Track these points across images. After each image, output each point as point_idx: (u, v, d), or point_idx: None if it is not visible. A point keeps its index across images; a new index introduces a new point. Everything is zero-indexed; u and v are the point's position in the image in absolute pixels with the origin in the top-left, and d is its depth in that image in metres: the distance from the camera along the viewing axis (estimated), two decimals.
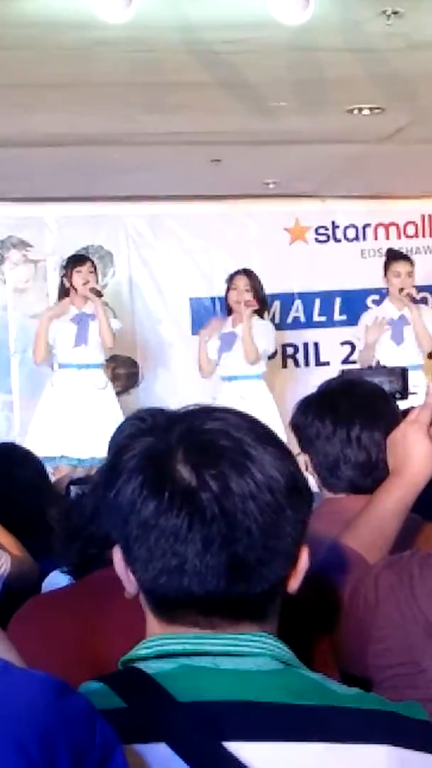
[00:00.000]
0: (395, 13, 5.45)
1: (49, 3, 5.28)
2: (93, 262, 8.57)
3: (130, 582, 1.50)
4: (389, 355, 8.40)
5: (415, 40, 5.84)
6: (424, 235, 10.16)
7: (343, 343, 9.88)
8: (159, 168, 8.44)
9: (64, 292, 8.52)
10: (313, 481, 2.77)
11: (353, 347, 9.54)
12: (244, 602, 1.45)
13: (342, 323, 9.86)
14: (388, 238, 10.02)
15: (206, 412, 1.52)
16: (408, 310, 8.50)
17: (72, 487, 3.61)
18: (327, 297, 9.97)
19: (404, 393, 3.75)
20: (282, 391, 9.23)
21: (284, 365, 9.90)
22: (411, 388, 3.92)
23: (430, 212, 10.19)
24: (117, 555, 1.51)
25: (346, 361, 9.77)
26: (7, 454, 4.26)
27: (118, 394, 8.85)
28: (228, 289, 8.63)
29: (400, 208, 10.09)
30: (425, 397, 2.46)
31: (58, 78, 6.24)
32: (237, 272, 8.67)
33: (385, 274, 8.64)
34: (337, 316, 9.99)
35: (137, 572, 1.48)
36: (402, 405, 3.07)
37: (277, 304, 9.78)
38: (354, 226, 10.05)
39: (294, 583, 1.51)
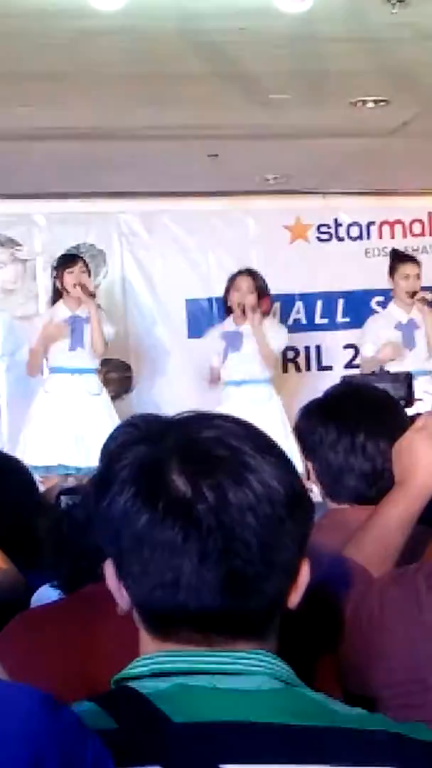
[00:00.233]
0: (401, 1, 5.44)
1: None
2: (85, 261, 8.59)
3: (122, 597, 1.47)
4: (398, 361, 8.34)
5: (422, 29, 5.85)
6: (430, 234, 10.14)
7: (346, 347, 9.87)
8: (154, 163, 8.43)
9: (56, 295, 8.54)
10: (316, 490, 2.78)
11: (357, 350, 9.56)
12: (242, 618, 1.43)
13: (345, 325, 9.83)
14: (393, 236, 9.98)
15: (203, 420, 1.49)
16: (418, 312, 8.54)
17: (62, 498, 3.49)
18: (329, 298, 9.93)
19: (409, 399, 3.72)
20: (283, 396, 9.17)
21: (285, 369, 9.84)
22: (417, 395, 3.91)
23: None
24: (109, 569, 1.48)
25: (349, 365, 9.80)
26: None
27: (111, 399, 8.87)
28: (229, 289, 8.61)
29: (405, 205, 10.06)
30: None
31: (48, 69, 6.26)
32: (240, 272, 8.68)
33: (391, 275, 8.66)
34: (339, 318, 9.96)
35: (130, 587, 1.45)
36: (407, 412, 3.05)
37: (277, 305, 9.74)
38: (357, 224, 10.01)
39: (294, 599, 1.48)
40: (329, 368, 9.82)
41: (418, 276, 8.56)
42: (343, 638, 2.12)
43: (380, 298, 9.22)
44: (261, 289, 8.54)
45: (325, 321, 9.94)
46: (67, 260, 8.51)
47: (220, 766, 1.35)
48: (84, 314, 8.33)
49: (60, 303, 8.41)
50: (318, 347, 9.95)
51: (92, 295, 8.37)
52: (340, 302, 9.88)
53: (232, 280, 8.60)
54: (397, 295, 8.62)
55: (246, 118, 7.31)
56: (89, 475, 7.53)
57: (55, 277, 8.48)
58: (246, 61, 6.27)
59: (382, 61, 6.35)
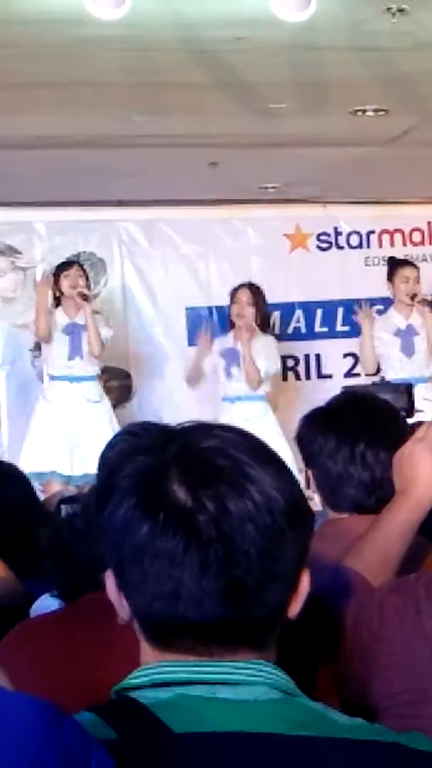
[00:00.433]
0: (401, 10, 5.43)
1: (40, 0, 5.29)
2: (81, 265, 8.59)
3: (123, 607, 1.46)
4: (397, 368, 8.40)
5: (422, 38, 5.83)
6: (430, 243, 10.13)
7: (346, 355, 9.84)
8: (154, 171, 8.42)
9: (55, 302, 8.49)
10: (317, 499, 2.78)
11: (356, 359, 9.55)
12: (243, 629, 1.42)
13: (345, 334, 9.79)
14: (393, 245, 9.99)
15: (203, 430, 1.49)
16: (418, 316, 8.53)
17: (63, 506, 3.48)
18: (329, 307, 9.91)
19: (410, 410, 3.74)
20: (282, 404, 9.21)
21: (284, 378, 9.82)
22: (417, 405, 3.93)
23: None
24: (110, 579, 1.47)
25: (349, 373, 9.79)
26: None
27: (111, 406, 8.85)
28: (231, 302, 8.64)
29: (405, 214, 10.06)
30: None
31: (48, 77, 6.24)
32: (241, 285, 8.69)
33: (391, 281, 8.64)
34: (339, 327, 9.93)
35: (130, 597, 1.44)
36: (409, 422, 3.07)
37: (277, 314, 9.74)
38: (357, 232, 10.01)
39: (294, 609, 1.47)
40: (329, 377, 9.80)
41: (417, 279, 8.55)
42: (343, 648, 2.12)
43: (380, 307, 9.15)
44: (258, 304, 8.54)
45: (325, 329, 9.92)
46: (64, 265, 8.51)
47: None
48: (81, 321, 8.31)
49: (59, 310, 8.38)
50: (318, 356, 9.93)
51: (86, 298, 8.34)
52: (340, 311, 9.85)
53: (233, 293, 8.61)
54: (398, 298, 8.60)
55: (246, 127, 7.29)
56: (89, 482, 7.57)
57: (54, 283, 8.45)
58: (246, 70, 6.25)
59: (381, 70, 6.33)
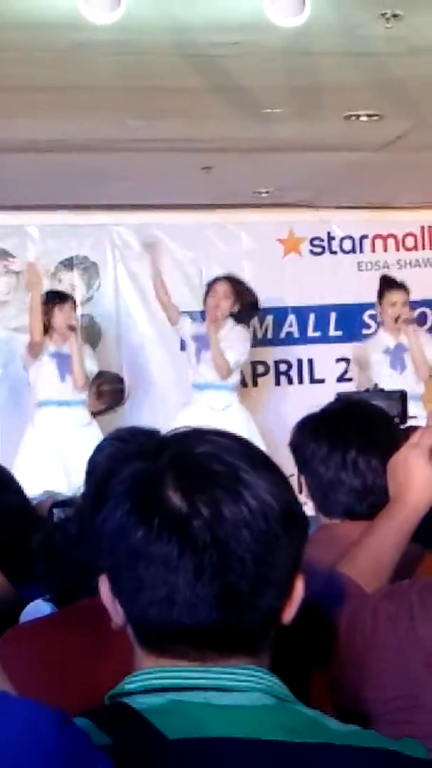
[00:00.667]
0: (395, 16, 5.42)
1: (35, 4, 5.26)
2: (74, 300, 8.63)
3: (117, 613, 1.47)
4: (388, 383, 8.34)
5: (416, 44, 5.81)
6: (423, 248, 10.11)
7: (338, 360, 9.82)
8: (147, 176, 8.41)
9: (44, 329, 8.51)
10: (311, 504, 2.77)
11: (349, 364, 9.58)
12: (237, 634, 1.43)
13: (337, 339, 9.81)
14: (386, 250, 9.98)
15: (198, 435, 1.49)
16: (405, 337, 8.55)
17: (55, 510, 3.46)
18: (322, 311, 9.91)
19: (403, 417, 3.75)
20: (275, 409, 9.23)
21: (277, 382, 9.86)
22: (410, 415, 3.91)
23: (429, 223, 10.16)
24: (104, 585, 1.47)
25: (341, 378, 9.77)
26: None
27: (103, 412, 8.92)
28: (207, 294, 8.63)
29: (398, 219, 10.05)
30: (428, 420, 2.46)
31: (42, 81, 6.22)
32: (218, 278, 8.71)
33: (380, 302, 8.66)
34: (332, 332, 9.93)
35: (125, 603, 1.45)
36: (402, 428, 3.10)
37: (269, 318, 9.77)
38: (351, 237, 10.00)
39: (288, 614, 1.47)
40: (321, 381, 9.79)
41: (405, 303, 8.56)
42: (336, 654, 2.12)
43: (373, 312, 9.20)
44: (239, 293, 8.53)
45: (318, 334, 9.91)
46: (59, 297, 8.52)
47: None
48: (68, 351, 8.38)
49: (46, 338, 8.39)
50: (310, 360, 9.90)
51: (73, 329, 8.36)
52: (333, 315, 9.86)
53: (210, 285, 8.62)
54: (384, 321, 8.65)
55: (240, 131, 7.28)
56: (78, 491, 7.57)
57: (45, 310, 8.43)
58: (240, 75, 6.24)
59: (375, 75, 6.31)
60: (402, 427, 3.05)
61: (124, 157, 7.86)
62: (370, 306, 9.03)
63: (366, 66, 6.16)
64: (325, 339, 9.90)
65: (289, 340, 9.86)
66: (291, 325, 9.87)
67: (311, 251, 9.91)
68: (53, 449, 8.20)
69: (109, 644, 1.70)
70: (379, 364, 8.56)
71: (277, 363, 9.82)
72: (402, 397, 3.95)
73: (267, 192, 9.27)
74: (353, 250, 9.95)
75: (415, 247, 10.05)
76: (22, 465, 8.14)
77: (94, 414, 8.67)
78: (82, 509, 2.52)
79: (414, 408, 7.66)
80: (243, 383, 9.49)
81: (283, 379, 9.88)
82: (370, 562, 2.37)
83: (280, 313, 9.80)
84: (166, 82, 6.27)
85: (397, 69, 6.22)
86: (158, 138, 7.39)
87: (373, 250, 9.95)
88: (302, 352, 9.90)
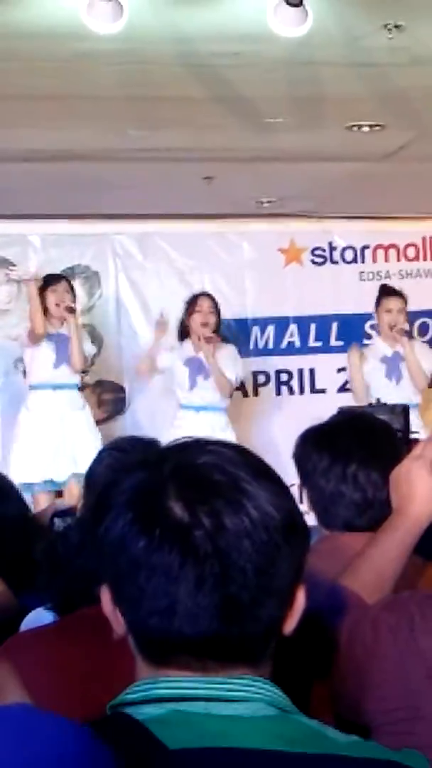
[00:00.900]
0: (397, 26, 5.43)
1: (37, 13, 5.25)
2: (69, 281, 8.58)
3: (118, 623, 1.47)
4: (384, 394, 8.40)
5: (418, 54, 5.81)
6: (425, 258, 10.09)
7: (339, 370, 9.75)
8: (149, 185, 8.42)
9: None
10: (312, 514, 2.76)
11: None
12: (238, 645, 1.42)
13: (339, 349, 9.74)
14: (387, 260, 9.96)
15: (200, 446, 1.49)
16: (401, 347, 8.55)
17: (56, 520, 3.58)
18: (323, 321, 9.89)
19: (406, 432, 3.74)
20: (276, 419, 9.24)
21: (278, 392, 9.84)
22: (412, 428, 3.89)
23: (431, 234, 10.14)
24: (105, 594, 1.47)
25: (342, 388, 9.71)
26: None
27: (104, 420, 8.92)
28: (191, 311, 8.56)
29: (400, 230, 10.03)
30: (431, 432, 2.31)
31: (45, 91, 6.22)
32: (201, 294, 8.69)
33: (377, 310, 8.68)
34: (333, 342, 9.90)
35: (126, 612, 1.45)
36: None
37: (271, 328, 9.75)
38: (352, 247, 9.98)
39: (290, 625, 1.47)
40: (322, 391, 9.77)
41: (401, 311, 8.55)
42: (337, 665, 2.12)
43: (374, 322, 9.13)
44: (218, 312, 8.53)
45: (319, 344, 9.88)
46: (52, 279, 8.50)
47: None
48: (67, 332, 8.33)
49: (45, 321, 8.37)
50: (311, 370, 9.88)
51: (73, 311, 8.34)
52: (334, 325, 9.84)
53: (194, 301, 8.56)
54: (381, 328, 8.66)
55: (241, 141, 7.28)
56: (76, 481, 7.60)
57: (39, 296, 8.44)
58: (242, 85, 6.23)
59: (378, 85, 6.30)
60: (410, 437, 3.04)
61: (126, 167, 7.86)
62: (372, 316, 8.98)
63: (368, 76, 6.15)
64: (326, 349, 9.88)
65: (290, 349, 9.84)
66: (292, 334, 9.84)
67: (313, 261, 9.89)
68: (48, 432, 8.18)
69: (110, 654, 1.69)
70: (375, 372, 8.56)
71: (278, 373, 9.79)
72: (404, 411, 3.95)
73: (269, 202, 9.26)
74: (355, 260, 9.94)
75: (417, 258, 10.04)
76: (18, 449, 8.23)
77: (95, 422, 8.66)
78: (84, 518, 2.53)
79: (412, 417, 7.69)
80: (244, 393, 9.49)
81: (284, 389, 9.86)
82: (372, 575, 2.37)
83: (281, 323, 9.78)
84: (169, 92, 6.27)
85: (399, 79, 6.22)
86: (160, 147, 7.39)
87: (375, 261, 9.93)
88: (303, 362, 9.88)
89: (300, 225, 9.80)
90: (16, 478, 6.27)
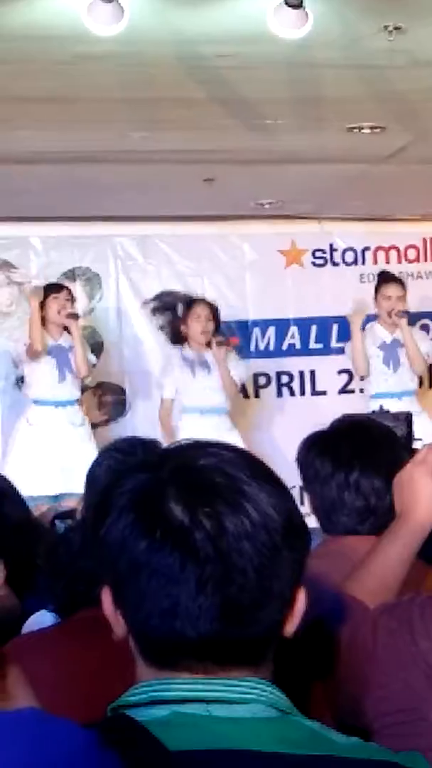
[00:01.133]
0: (397, 28, 5.39)
1: (37, 15, 5.21)
2: (70, 291, 8.57)
3: (119, 624, 1.47)
4: (381, 381, 8.46)
5: (418, 56, 5.79)
6: (425, 260, 10.09)
7: (340, 372, 9.79)
8: (149, 187, 8.40)
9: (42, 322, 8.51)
10: (313, 517, 2.77)
11: (351, 376, 9.55)
12: (239, 646, 1.42)
13: (339, 351, 9.71)
14: (388, 262, 9.94)
15: (200, 448, 1.49)
16: (400, 332, 8.56)
17: (57, 522, 3.58)
18: (324, 323, 9.89)
19: (409, 439, 3.70)
20: (277, 421, 9.25)
21: (279, 394, 9.83)
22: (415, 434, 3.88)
23: (431, 235, 10.13)
24: (106, 596, 1.47)
25: (343, 390, 9.76)
26: None
27: (104, 423, 8.95)
28: (187, 318, 8.57)
29: (400, 231, 10.04)
30: None
31: (46, 93, 6.19)
32: (197, 301, 8.70)
33: (375, 296, 8.70)
34: (334, 343, 9.89)
35: (127, 614, 1.45)
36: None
37: (271, 329, 9.76)
38: (353, 249, 9.99)
39: (290, 627, 1.47)
40: (323, 393, 9.78)
41: (400, 298, 8.56)
42: (338, 668, 2.11)
43: (372, 322, 9.07)
44: (217, 319, 8.54)
45: (320, 346, 9.89)
46: (54, 287, 8.49)
47: None
48: (66, 344, 8.34)
49: (42, 331, 8.36)
50: (312, 372, 9.88)
51: (76, 317, 8.34)
52: (335, 327, 9.82)
53: (190, 308, 8.57)
54: (380, 315, 8.66)
55: (242, 142, 7.26)
56: (76, 498, 7.60)
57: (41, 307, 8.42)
58: (242, 87, 6.21)
59: (378, 87, 6.28)
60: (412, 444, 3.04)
61: (127, 169, 7.85)
62: (372, 318, 8.97)
63: (368, 78, 6.13)
64: (326, 351, 9.88)
65: (291, 351, 9.84)
66: (293, 336, 9.84)
67: (313, 263, 9.89)
68: (49, 449, 8.19)
69: (111, 656, 1.69)
70: (373, 359, 8.56)
71: (278, 374, 9.80)
72: (407, 418, 3.93)
73: (269, 203, 9.24)
74: (355, 262, 9.95)
75: (417, 259, 10.04)
76: (16, 462, 8.21)
77: (96, 425, 8.66)
78: (85, 520, 2.53)
79: (409, 403, 7.70)
80: (245, 394, 9.49)
81: (284, 390, 9.85)
82: (376, 582, 2.36)
83: (281, 325, 9.79)
84: (169, 94, 6.25)
85: (399, 81, 6.20)
86: (160, 149, 7.37)
87: (375, 262, 9.91)
88: (304, 363, 9.88)
89: (301, 227, 9.80)
90: None
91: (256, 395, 9.74)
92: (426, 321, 9.75)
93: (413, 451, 2.59)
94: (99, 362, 9.08)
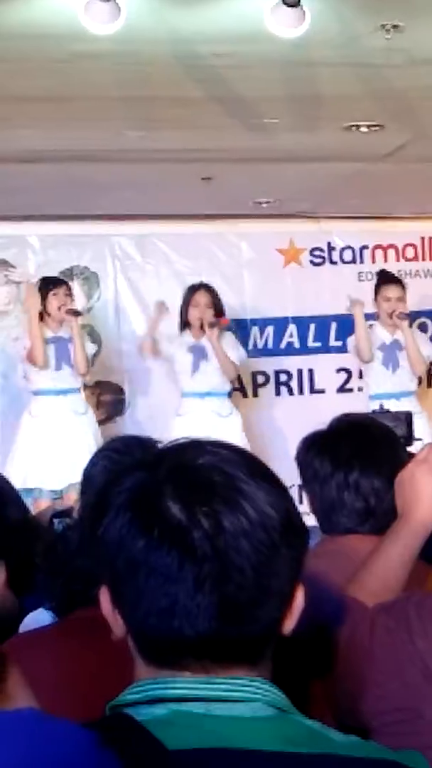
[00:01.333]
0: (395, 27, 5.38)
1: (34, 13, 5.21)
2: (69, 286, 8.58)
3: (117, 623, 1.47)
4: (380, 381, 8.47)
5: (416, 55, 5.79)
6: (423, 258, 10.11)
7: (338, 370, 9.81)
8: (147, 186, 8.39)
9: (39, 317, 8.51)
10: (311, 516, 2.77)
11: (349, 374, 9.60)
12: (237, 645, 1.43)
13: (338, 349, 9.76)
14: (386, 260, 9.95)
15: (197, 447, 1.49)
16: (401, 333, 8.58)
17: (55, 521, 3.58)
18: (322, 322, 9.90)
19: (409, 439, 3.73)
20: (275, 419, 9.22)
21: (277, 393, 9.84)
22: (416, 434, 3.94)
23: (429, 234, 10.15)
24: (104, 596, 1.48)
25: (341, 389, 9.77)
26: None
27: (103, 422, 8.90)
28: (187, 304, 8.61)
29: (398, 230, 10.04)
30: None
31: (43, 91, 6.19)
32: (197, 287, 8.71)
33: (375, 297, 8.71)
34: (332, 342, 9.90)
35: (125, 613, 1.45)
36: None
37: (270, 328, 9.77)
38: (351, 247, 10.00)
39: (289, 625, 1.47)
40: (322, 392, 9.78)
41: (400, 299, 8.57)
42: (336, 667, 2.12)
43: (373, 322, 9.11)
44: (217, 305, 8.58)
45: (318, 344, 9.89)
46: (52, 282, 8.50)
47: None
48: (66, 335, 8.34)
49: (41, 324, 8.37)
50: (311, 371, 9.88)
51: (77, 314, 8.36)
52: (333, 326, 9.82)
53: (190, 294, 8.61)
54: (380, 316, 8.67)
55: (240, 141, 7.26)
56: (76, 491, 7.60)
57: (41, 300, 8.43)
58: (240, 85, 6.21)
59: (376, 86, 6.28)
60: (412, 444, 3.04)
61: (124, 168, 7.85)
62: (371, 316, 8.98)
63: (366, 77, 6.13)
64: (325, 349, 9.88)
65: (290, 350, 9.85)
66: (291, 335, 9.85)
67: (311, 261, 9.90)
68: (52, 439, 8.18)
69: (110, 655, 1.69)
70: (372, 360, 8.58)
71: (277, 373, 9.81)
72: (408, 418, 3.92)
73: (267, 202, 9.25)
74: (353, 261, 9.95)
75: (416, 258, 10.05)
76: (19, 454, 8.23)
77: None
78: (83, 519, 2.52)
79: (407, 404, 7.71)
80: (243, 393, 9.49)
81: (283, 389, 9.86)
82: (378, 583, 2.36)
83: (280, 324, 9.79)
84: (166, 93, 6.25)
85: (397, 80, 6.20)
86: (158, 148, 7.37)
87: (374, 261, 9.92)
88: (302, 362, 9.89)
89: (299, 225, 9.81)
90: (16, 483, 6.27)
91: (255, 394, 9.74)
92: (424, 319, 9.78)
93: (411, 455, 2.58)
94: (97, 361, 9.08)
